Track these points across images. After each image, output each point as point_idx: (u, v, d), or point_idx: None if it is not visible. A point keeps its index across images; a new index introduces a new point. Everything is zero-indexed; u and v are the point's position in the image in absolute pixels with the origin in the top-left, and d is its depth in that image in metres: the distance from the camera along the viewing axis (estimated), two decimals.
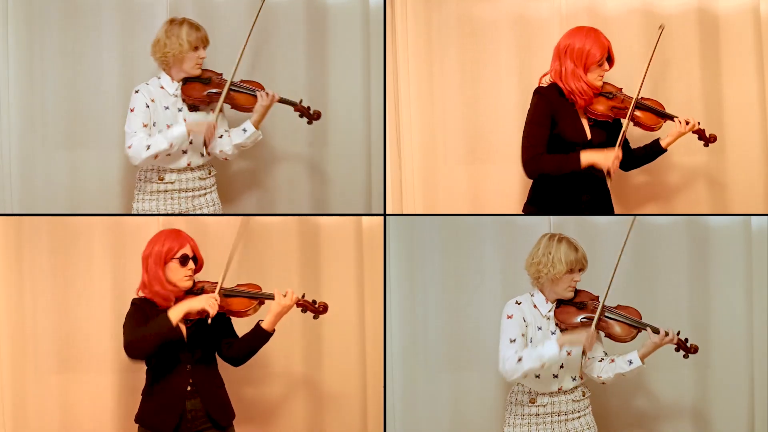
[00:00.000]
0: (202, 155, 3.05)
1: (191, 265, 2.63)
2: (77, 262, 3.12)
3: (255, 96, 2.98)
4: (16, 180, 3.29)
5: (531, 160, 2.82)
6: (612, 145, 2.84)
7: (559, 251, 2.62)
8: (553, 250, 2.63)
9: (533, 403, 2.68)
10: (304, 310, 2.68)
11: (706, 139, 2.92)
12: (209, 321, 2.56)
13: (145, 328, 2.49)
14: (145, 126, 2.92)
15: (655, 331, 2.62)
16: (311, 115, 3.04)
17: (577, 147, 2.84)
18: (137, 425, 2.64)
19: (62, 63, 3.26)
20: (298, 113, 3.04)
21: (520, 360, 2.58)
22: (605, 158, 2.80)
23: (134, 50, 3.26)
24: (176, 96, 2.98)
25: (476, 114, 3.34)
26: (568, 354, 2.60)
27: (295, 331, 3.15)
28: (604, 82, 2.86)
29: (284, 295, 2.61)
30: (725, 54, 3.26)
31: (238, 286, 2.69)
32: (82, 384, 3.12)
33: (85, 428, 3.13)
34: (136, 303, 2.61)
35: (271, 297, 2.63)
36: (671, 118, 2.88)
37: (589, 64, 2.81)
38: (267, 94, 2.97)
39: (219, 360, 2.71)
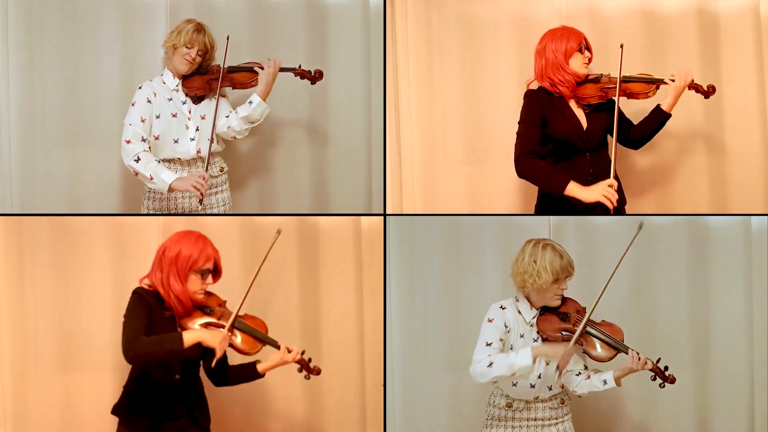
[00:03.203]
0: (212, 141, 3.03)
1: (209, 280, 2.57)
2: (78, 262, 3.12)
3: (253, 72, 3.03)
4: (16, 180, 3.30)
5: (522, 158, 2.79)
6: (611, 127, 2.84)
7: (544, 260, 2.54)
8: (539, 259, 2.54)
9: (509, 407, 2.66)
10: (300, 370, 2.71)
11: (705, 92, 2.91)
12: (213, 364, 2.54)
13: (153, 339, 2.42)
14: (143, 121, 2.92)
15: (633, 356, 2.54)
16: (313, 77, 3.07)
17: (573, 141, 2.85)
18: (117, 418, 2.59)
19: (62, 63, 3.27)
20: (299, 77, 3.06)
21: (491, 365, 2.49)
22: (590, 193, 2.72)
23: (134, 50, 3.26)
24: (177, 90, 3.02)
25: (476, 114, 3.34)
26: (547, 363, 2.57)
27: (295, 331, 3.15)
28: (592, 73, 2.89)
29: (288, 351, 2.64)
30: (725, 54, 3.26)
31: (246, 317, 2.66)
32: (82, 383, 3.12)
33: (86, 427, 3.13)
34: (139, 293, 2.51)
35: (277, 346, 2.65)
36: (662, 81, 2.88)
37: (568, 52, 2.84)
38: (267, 61, 3.00)
39: None
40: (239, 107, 3.06)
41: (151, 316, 2.49)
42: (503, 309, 2.62)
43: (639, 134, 2.97)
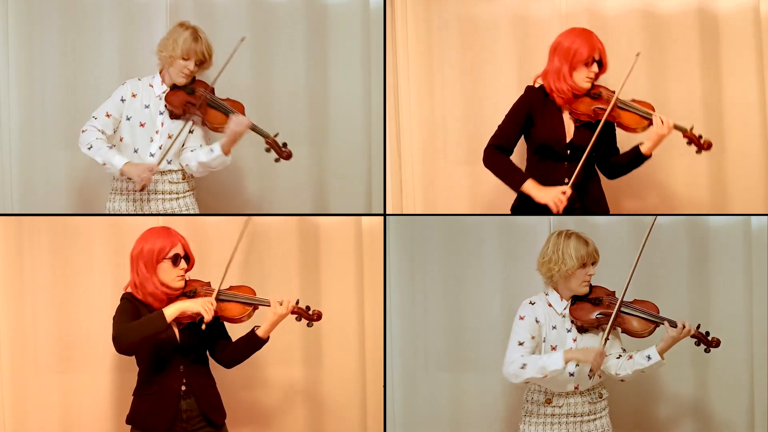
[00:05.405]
0: (169, 162, 2.97)
1: (183, 264, 2.59)
2: (77, 262, 3.12)
3: (227, 116, 2.89)
4: (16, 180, 3.30)
5: (488, 150, 2.86)
6: (595, 142, 2.76)
7: (569, 247, 2.59)
8: (563, 247, 2.59)
9: (549, 403, 2.65)
10: (298, 318, 2.65)
11: (699, 146, 2.77)
12: (203, 327, 2.54)
13: (137, 323, 2.47)
14: (108, 116, 2.93)
15: (673, 324, 2.56)
16: (281, 153, 2.92)
17: (554, 148, 2.82)
18: (129, 426, 2.62)
19: (62, 63, 3.27)
20: (266, 147, 2.92)
21: (523, 367, 2.55)
22: (543, 194, 2.76)
23: (134, 50, 3.26)
24: (160, 98, 2.96)
25: (476, 114, 3.34)
26: (577, 365, 2.56)
27: (295, 331, 3.14)
28: (597, 85, 2.82)
29: (280, 304, 2.58)
30: (725, 54, 3.26)
31: (231, 288, 2.65)
32: (81, 384, 3.12)
33: (85, 428, 3.13)
34: (127, 297, 2.59)
35: (267, 304, 2.61)
36: (651, 121, 2.74)
37: (575, 63, 2.77)
38: (240, 119, 2.85)
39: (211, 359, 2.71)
40: (201, 150, 2.95)
41: (139, 315, 2.53)
42: (533, 304, 2.65)
43: (614, 166, 2.90)
